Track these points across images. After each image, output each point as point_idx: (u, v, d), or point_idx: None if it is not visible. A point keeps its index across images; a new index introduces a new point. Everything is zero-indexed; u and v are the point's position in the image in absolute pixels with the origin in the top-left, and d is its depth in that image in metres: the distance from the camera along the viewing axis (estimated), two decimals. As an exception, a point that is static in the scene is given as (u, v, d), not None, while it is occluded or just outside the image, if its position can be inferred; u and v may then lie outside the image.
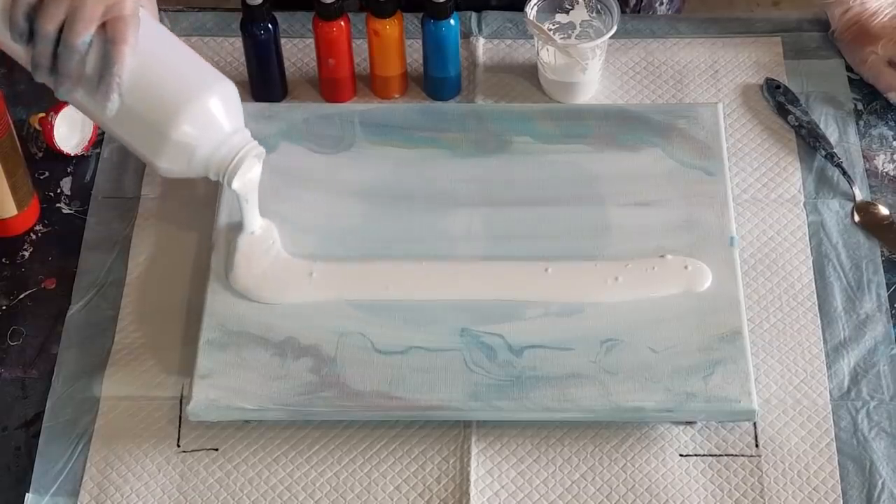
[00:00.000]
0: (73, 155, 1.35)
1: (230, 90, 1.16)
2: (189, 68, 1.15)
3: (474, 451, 1.15)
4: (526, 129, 1.32)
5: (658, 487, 1.13)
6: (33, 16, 1.09)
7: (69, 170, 1.35)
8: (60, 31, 1.08)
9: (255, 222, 1.23)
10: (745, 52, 1.44)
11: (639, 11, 1.52)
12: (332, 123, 1.33)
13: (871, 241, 1.28)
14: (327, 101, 1.40)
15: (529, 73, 1.41)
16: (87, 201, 1.32)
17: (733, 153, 1.34)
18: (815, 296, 1.24)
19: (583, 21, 1.37)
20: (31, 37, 1.09)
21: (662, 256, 1.22)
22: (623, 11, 1.49)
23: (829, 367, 1.20)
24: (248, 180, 1.18)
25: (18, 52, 1.13)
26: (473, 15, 1.46)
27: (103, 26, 1.09)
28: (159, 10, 1.47)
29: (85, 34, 1.08)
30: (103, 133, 1.37)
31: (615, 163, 1.29)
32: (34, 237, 1.30)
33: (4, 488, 1.14)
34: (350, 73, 1.39)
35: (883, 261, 1.27)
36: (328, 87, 1.40)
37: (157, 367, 1.20)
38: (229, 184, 1.17)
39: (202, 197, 1.31)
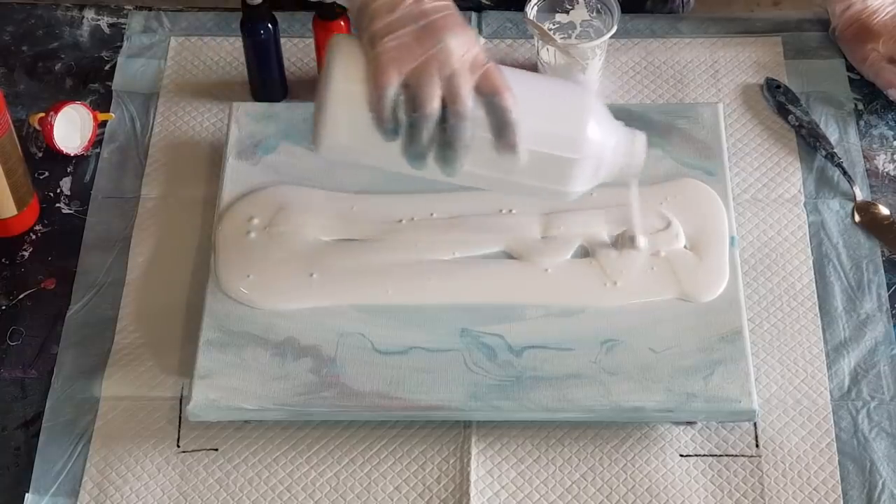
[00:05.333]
0: (72, 155, 1.35)
1: (594, 93, 1.15)
2: (557, 88, 1.15)
3: (474, 451, 1.15)
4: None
5: (658, 488, 1.13)
6: (399, 106, 1.06)
7: (69, 170, 1.35)
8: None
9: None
10: (745, 52, 1.43)
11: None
12: (333, 123, 1.32)
13: (872, 241, 1.28)
14: (327, 101, 1.39)
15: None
16: (86, 201, 1.32)
17: (733, 153, 1.34)
18: (815, 296, 1.24)
19: (583, 21, 1.37)
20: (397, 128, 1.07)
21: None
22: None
23: (829, 368, 1.20)
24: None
25: (368, 152, 1.10)
26: (473, 15, 1.46)
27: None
28: (160, 10, 1.48)
29: (470, 101, 1.06)
30: (103, 133, 1.37)
31: (615, 163, 1.29)
32: (34, 237, 1.30)
33: (4, 488, 1.14)
34: (350, 73, 1.39)
35: (883, 261, 1.27)
36: (328, 86, 1.39)
37: (157, 367, 1.20)
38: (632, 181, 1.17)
39: (202, 197, 1.31)
